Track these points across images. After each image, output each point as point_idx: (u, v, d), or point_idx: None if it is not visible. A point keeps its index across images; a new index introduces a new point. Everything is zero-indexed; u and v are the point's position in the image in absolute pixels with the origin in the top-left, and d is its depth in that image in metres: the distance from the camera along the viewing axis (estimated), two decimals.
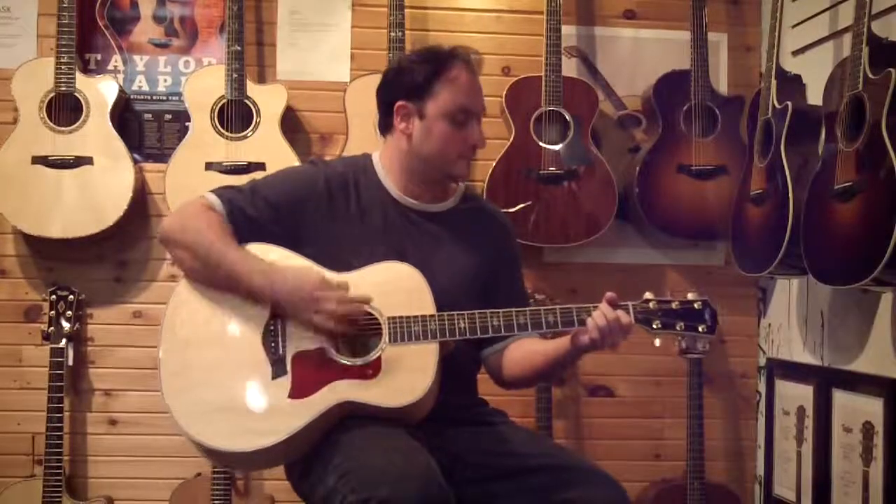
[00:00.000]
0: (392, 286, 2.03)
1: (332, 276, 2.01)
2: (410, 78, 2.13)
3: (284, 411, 1.93)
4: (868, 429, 2.76)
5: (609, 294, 2.00)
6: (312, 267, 2.02)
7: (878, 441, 2.72)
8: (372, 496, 1.73)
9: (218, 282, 2.03)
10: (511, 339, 2.18)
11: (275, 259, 2.04)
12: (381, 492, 1.72)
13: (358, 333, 2.01)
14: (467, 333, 1.99)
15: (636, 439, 3.50)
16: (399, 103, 2.14)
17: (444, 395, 2.02)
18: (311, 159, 3.04)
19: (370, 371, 1.96)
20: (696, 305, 2.04)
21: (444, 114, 2.11)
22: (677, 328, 2.03)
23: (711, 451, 3.36)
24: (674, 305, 2.03)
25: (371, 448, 1.84)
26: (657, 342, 2.05)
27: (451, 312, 2.00)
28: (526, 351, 2.17)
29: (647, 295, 2.04)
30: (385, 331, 1.98)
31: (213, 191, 2.14)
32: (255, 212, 2.10)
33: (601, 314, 1.97)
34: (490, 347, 2.21)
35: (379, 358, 1.97)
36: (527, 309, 2.04)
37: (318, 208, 2.13)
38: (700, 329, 2.04)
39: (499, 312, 2.02)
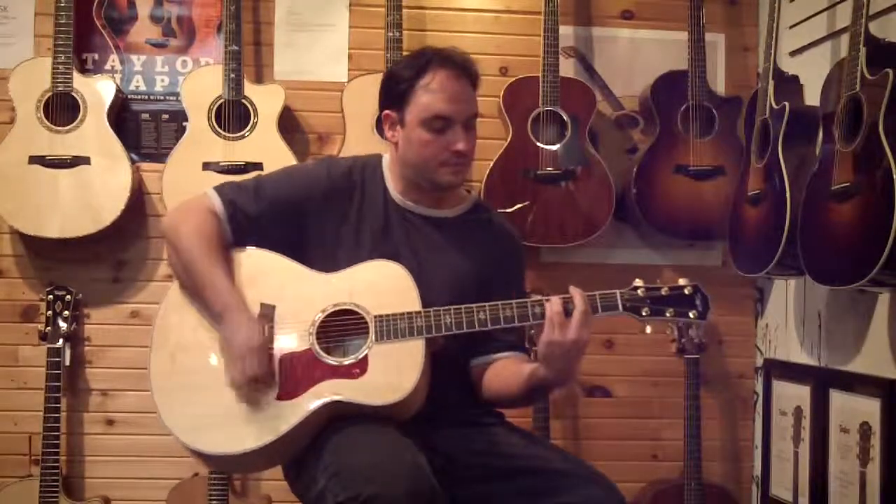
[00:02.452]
0: (381, 285, 2.02)
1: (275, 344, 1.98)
2: (394, 86, 2.11)
3: (273, 413, 1.93)
4: (865, 429, 2.76)
5: (571, 288, 1.92)
6: (258, 329, 1.96)
7: (875, 441, 2.71)
8: (360, 494, 1.72)
9: (194, 292, 2.04)
10: (499, 355, 2.14)
11: (267, 268, 2.05)
12: (369, 489, 1.72)
13: (346, 333, 2.00)
14: (453, 328, 1.97)
15: (633, 440, 3.50)
16: (385, 112, 2.14)
17: (439, 394, 2.01)
18: (324, 157, 2.97)
19: (357, 370, 1.95)
20: (686, 291, 1.99)
21: (420, 122, 2.06)
22: (667, 315, 1.97)
23: (709, 451, 3.35)
24: (663, 292, 1.99)
25: (360, 446, 1.84)
26: (648, 330, 2.01)
27: (438, 308, 1.97)
28: (510, 370, 2.10)
29: (637, 282, 1.99)
30: (371, 329, 1.97)
31: (216, 188, 2.13)
32: (256, 211, 2.09)
33: (548, 307, 1.90)
34: (477, 359, 2.16)
35: (366, 356, 1.95)
36: (513, 301, 1.99)
37: (319, 208, 2.12)
38: (691, 315, 1.98)
39: (485, 306, 1.98)
